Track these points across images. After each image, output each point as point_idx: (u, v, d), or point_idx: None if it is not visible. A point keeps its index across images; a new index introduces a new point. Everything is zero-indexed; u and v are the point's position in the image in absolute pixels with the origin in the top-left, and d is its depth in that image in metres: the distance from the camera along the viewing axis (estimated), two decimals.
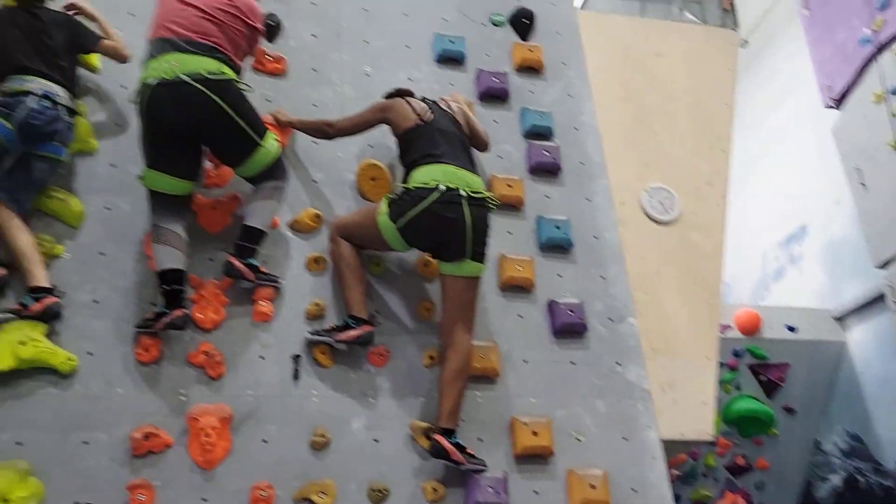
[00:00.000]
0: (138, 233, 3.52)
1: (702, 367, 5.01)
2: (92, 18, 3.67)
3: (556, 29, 4.72)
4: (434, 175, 3.41)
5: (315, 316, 3.56)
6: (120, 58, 3.63)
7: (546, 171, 4.22)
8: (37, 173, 3.33)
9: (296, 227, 3.75)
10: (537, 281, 3.90)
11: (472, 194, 3.42)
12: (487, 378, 3.62)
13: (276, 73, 4.05)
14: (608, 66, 5.56)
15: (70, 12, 3.63)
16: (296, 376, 3.43)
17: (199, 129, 3.35)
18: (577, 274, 4.02)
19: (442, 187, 3.37)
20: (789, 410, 8.02)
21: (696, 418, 4.83)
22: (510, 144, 4.27)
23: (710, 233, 5.44)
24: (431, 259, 3.69)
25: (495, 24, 4.62)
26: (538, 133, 4.29)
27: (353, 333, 3.39)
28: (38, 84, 3.30)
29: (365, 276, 3.58)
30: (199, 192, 3.61)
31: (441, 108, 3.75)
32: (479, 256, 3.45)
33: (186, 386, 3.30)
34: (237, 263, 3.38)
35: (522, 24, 4.62)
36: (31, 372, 3.14)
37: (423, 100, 3.78)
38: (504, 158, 4.22)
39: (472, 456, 3.30)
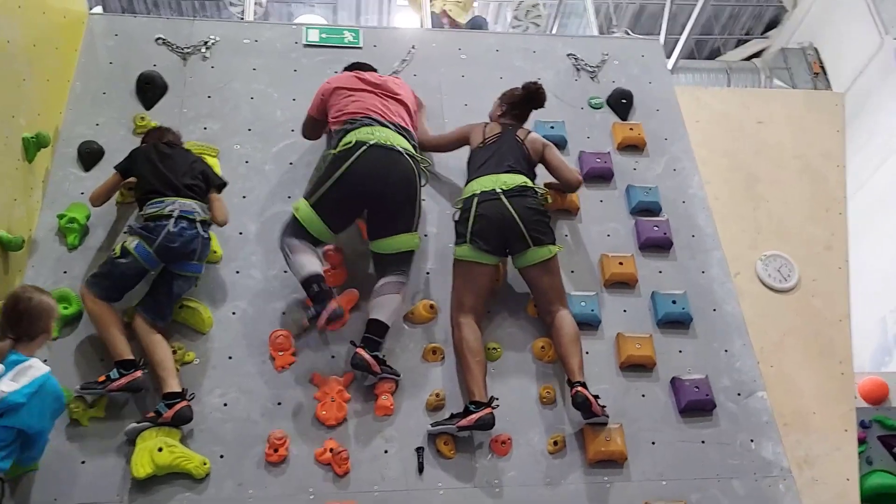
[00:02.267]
0: (262, 335, 3.64)
1: (840, 441, 4.74)
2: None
3: (655, 106, 4.74)
4: (473, 188, 3.75)
5: (435, 407, 3.56)
6: (221, 221, 3.71)
7: (657, 246, 4.17)
8: (176, 289, 3.51)
9: (411, 318, 3.80)
10: (658, 358, 3.80)
11: (507, 189, 3.64)
12: (614, 462, 3.50)
13: None
14: (711, 137, 5.53)
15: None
16: (420, 469, 3.40)
17: (382, 196, 3.60)
18: (698, 349, 3.91)
19: (478, 191, 3.69)
20: None
21: (840, 496, 4.54)
22: (617, 222, 4.26)
23: (834, 298, 5.24)
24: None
25: (594, 108, 4.68)
26: (646, 209, 4.27)
27: (473, 417, 3.37)
28: (176, 205, 3.48)
29: (485, 361, 3.59)
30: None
31: (514, 134, 3.94)
32: (540, 242, 3.64)
33: (314, 484, 3.32)
34: (366, 356, 3.43)
35: (621, 104, 4.67)
36: (168, 477, 3.23)
37: (504, 125, 3.99)
38: (613, 236, 4.20)
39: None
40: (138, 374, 3.31)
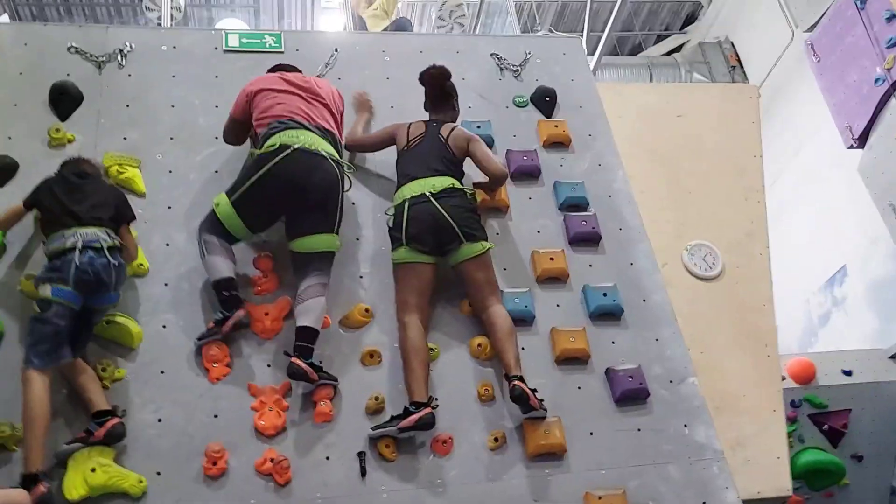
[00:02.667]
0: (194, 347, 3.57)
1: (769, 421, 4.90)
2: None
3: (578, 103, 4.82)
4: (403, 194, 3.83)
5: (375, 410, 3.55)
6: (130, 257, 3.58)
7: (586, 240, 4.24)
8: (96, 322, 3.39)
9: (347, 323, 3.78)
10: (592, 350, 3.87)
11: (436, 192, 3.75)
12: (554, 454, 3.55)
13: None
14: (634, 132, 5.65)
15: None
16: (363, 473, 3.39)
17: (303, 197, 3.63)
18: (630, 339, 3.98)
19: (408, 197, 3.77)
20: (858, 458, 7.75)
21: (772, 475, 4.69)
22: (547, 218, 4.31)
23: (757, 284, 5.41)
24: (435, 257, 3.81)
25: (519, 106, 4.73)
26: (574, 204, 4.34)
27: (413, 418, 3.37)
28: (76, 236, 3.26)
29: (429, 360, 3.61)
30: (250, 301, 3.67)
31: (438, 132, 4.00)
32: (472, 237, 3.74)
33: (256, 495, 3.28)
34: (302, 364, 3.41)
35: (545, 102, 4.73)
36: (104, 498, 3.13)
37: (428, 122, 4.06)
38: (543, 232, 4.26)
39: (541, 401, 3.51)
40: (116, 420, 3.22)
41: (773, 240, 6.63)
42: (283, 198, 3.65)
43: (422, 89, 4.25)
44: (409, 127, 4.06)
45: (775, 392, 5.04)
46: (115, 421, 3.20)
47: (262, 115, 3.81)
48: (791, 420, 7.60)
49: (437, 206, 3.73)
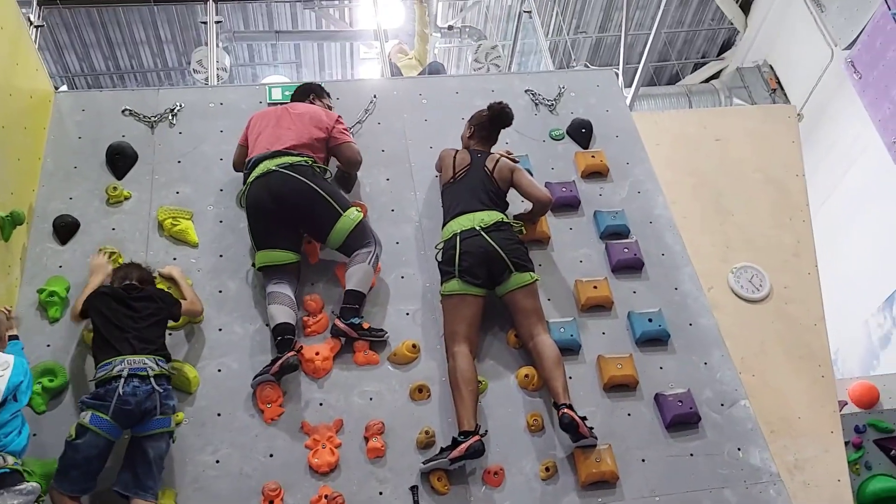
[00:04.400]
0: (249, 389, 3.67)
1: (827, 443, 4.78)
2: (176, 285, 3.85)
3: (614, 133, 4.88)
4: (452, 228, 3.93)
5: (426, 444, 3.59)
6: (196, 315, 3.79)
7: (629, 267, 4.27)
8: (153, 453, 3.22)
9: (395, 360, 3.86)
10: (640, 376, 3.87)
11: (485, 227, 3.86)
12: (607, 482, 3.54)
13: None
14: (672, 158, 5.67)
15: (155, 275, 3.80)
16: None
17: (288, 206, 3.85)
18: (678, 364, 3.97)
19: (458, 231, 3.88)
20: None
21: (834, 498, 4.57)
22: (589, 248, 4.35)
23: (808, 303, 5.33)
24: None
25: (555, 139, 4.81)
26: (614, 232, 4.37)
27: (463, 447, 3.41)
28: (124, 364, 3.23)
29: (478, 390, 3.65)
30: (301, 342, 3.77)
31: (481, 161, 4.14)
32: (522, 267, 3.84)
33: None
34: (341, 325, 3.76)
35: (581, 133, 4.79)
36: None
37: (472, 151, 4.20)
38: (585, 262, 4.30)
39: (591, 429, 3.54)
40: None
41: (827, 262, 6.52)
42: (270, 220, 3.88)
43: (459, 129, 4.37)
44: (454, 155, 4.19)
45: (832, 413, 4.93)
46: None
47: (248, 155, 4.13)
48: (856, 446, 7.36)
49: (488, 239, 3.82)
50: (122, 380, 3.18)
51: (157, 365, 3.32)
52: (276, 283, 3.83)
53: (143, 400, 3.19)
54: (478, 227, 3.86)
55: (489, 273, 3.83)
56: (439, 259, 3.97)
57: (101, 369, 3.25)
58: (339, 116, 4.28)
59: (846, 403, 7.29)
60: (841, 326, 8.78)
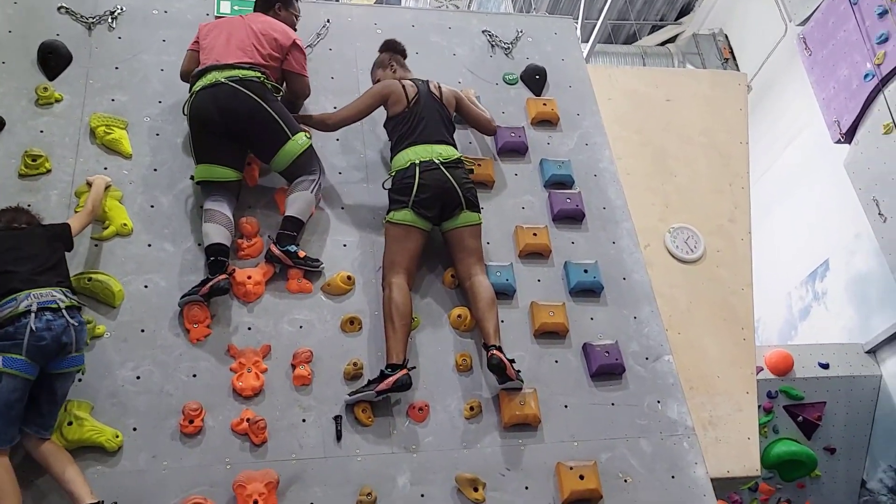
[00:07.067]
0: (176, 308, 3.59)
1: (741, 403, 4.96)
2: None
3: (568, 83, 4.85)
4: (409, 157, 3.84)
5: (353, 376, 3.58)
6: (88, 223, 3.56)
7: (570, 217, 4.28)
8: (60, 391, 3.09)
9: (328, 290, 3.81)
10: (570, 325, 3.92)
11: (444, 161, 3.82)
12: (529, 425, 3.60)
13: None
14: (622, 114, 5.70)
15: None
16: (339, 437, 3.43)
17: (235, 122, 3.71)
18: (609, 316, 4.03)
19: (417, 161, 3.80)
20: (830, 450, 7.87)
21: (742, 455, 4.76)
22: (532, 195, 4.35)
23: (737, 268, 5.47)
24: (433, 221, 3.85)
25: (508, 83, 4.76)
26: (559, 182, 4.38)
27: (390, 380, 3.42)
28: (30, 298, 3.02)
29: (410, 324, 3.63)
30: (233, 265, 3.70)
31: (428, 90, 4.07)
32: (473, 206, 3.85)
33: (231, 454, 3.32)
34: (276, 251, 3.68)
35: (535, 80, 4.75)
36: (79, 451, 3.16)
37: (415, 81, 4.08)
38: (527, 209, 4.30)
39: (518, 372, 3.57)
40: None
41: (759, 232, 6.70)
42: (215, 134, 3.74)
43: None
44: (403, 86, 4.04)
45: (749, 375, 5.11)
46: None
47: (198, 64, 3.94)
48: (767, 410, 7.70)
49: (448, 174, 3.79)
50: (33, 315, 2.97)
51: (66, 297, 3.12)
52: (215, 201, 3.71)
53: (59, 334, 3.01)
54: (437, 161, 3.81)
55: (441, 209, 3.80)
56: (389, 186, 3.90)
57: (5, 307, 3.00)
58: (299, 40, 4.06)
59: (762, 369, 7.60)
60: (765, 295, 9.08)
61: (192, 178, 3.86)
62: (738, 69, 10.86)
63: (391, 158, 3.97)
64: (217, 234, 3.63)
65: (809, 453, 7.59)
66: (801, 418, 7.78)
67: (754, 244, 5.82)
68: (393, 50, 4.29)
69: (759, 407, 7.49)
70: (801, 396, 7.76)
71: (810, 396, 7.75)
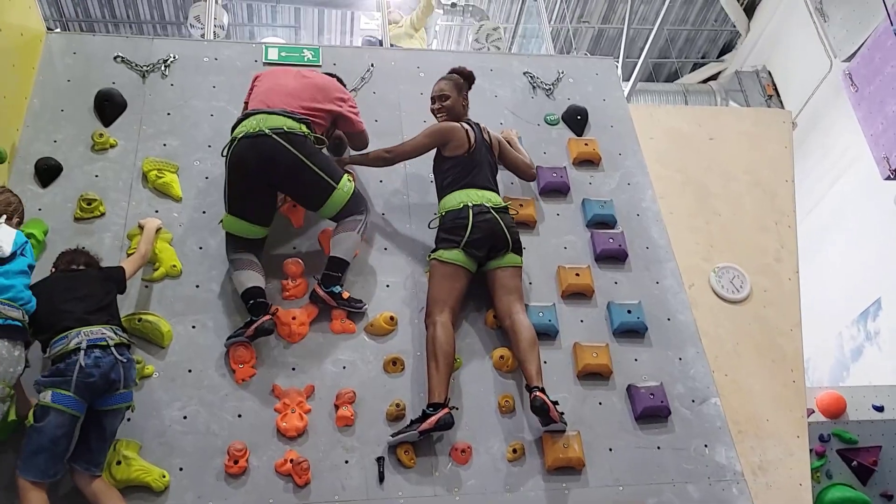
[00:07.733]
0: (222, 348, 3.65)
1: (792, 447, 4.83)
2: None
3: (609, 123, 4.86)
4: (460, 198, 3.89)
5: (396, 417, 3.59)
6: (140, 266, 3.66)
7: (612, 257, 4.27)
8: (108, 427, 3.13)
9: (371, 330, 3.84)
10: (614, 367, 3.88)
11: (495, 206, 3.88)
12: (573, 468, 3.55)
13: None
14: (664, 153, 5.68)
15: None
16: (381, 478, 3.42)
17: (274, 174, 3.69)
18: (653, 357, 3.99)
19: (470, 204, 3.84)
20: (888, 497, 7.57)
21: (794, 502, 4.62)
22: (574, 235, 4.35)
23: (785, 308, 5.37)
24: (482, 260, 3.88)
25: (550, 124, 4.79)
26: (601, 221, 4.37)
27: (432, 419, 3.41)
28: (81, 336, 3.07)
29: (452, 363, 3.63)
30: (278, 306, 3.74)
31: (482, 136, 4.12)
32: (517, 250, 3.90)
33: (274, 495, 3.33)
34: (320, 292, 3.71)
35: (576, 120, 4.78)
36: (126, 490, 3.20)
37: (470, 124, 4.12)
38: (569, 248, 4.29)
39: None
40: None
41: (808, 270, 6.56)
42: (253, 185, 3.71)
43: None
44: (465, 130, 4.06)
45: (800, 418, 4.98)
46: None
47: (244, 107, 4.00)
48: (819, 455, 7.46)
49: (499, 220, 3.84)
50: (82, 352, 3.02)
51: (116, 334, 3.17)
52: (241, 252, 3.74)
53: (107, 371, 3.05)
54: (488, 205, 3.86)
55: (489, 250, 3.84)
56: (438, 226, 3.93)
57: (57, 345, 3.06)
58: (347, 94, 4.12)
59: (813, 412, 7.38)
60: (815, 335, 8.87)
61: (220, 222, 3.84)
62: (782, 106, 10.77)
63: (439, 198, 4.01)
64: (250, 279, 3.66)
65: (865, 499, 7.31)
66: (855, 463, 7.51)
67: (802, 283, 5.71)
68: (470, 81, 4.30)
69: (811, 451, 7.30)
70: (855, 440, 7.50)
71: (864, 440, 7.48)
